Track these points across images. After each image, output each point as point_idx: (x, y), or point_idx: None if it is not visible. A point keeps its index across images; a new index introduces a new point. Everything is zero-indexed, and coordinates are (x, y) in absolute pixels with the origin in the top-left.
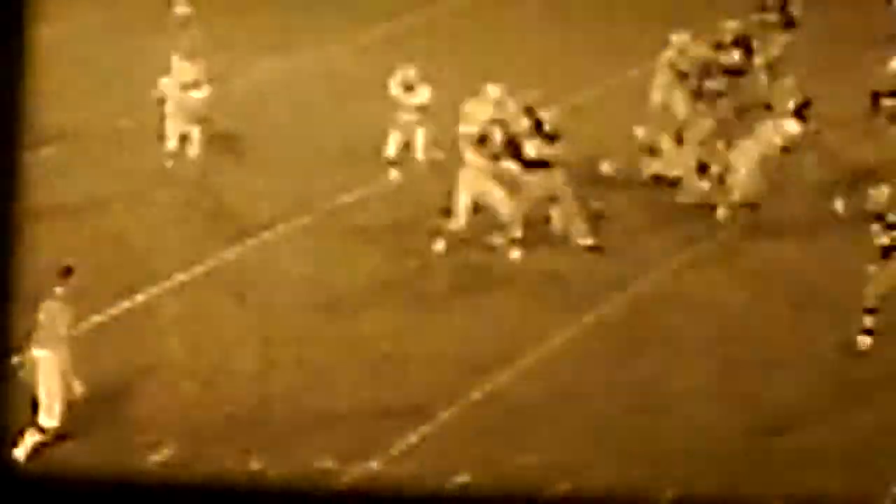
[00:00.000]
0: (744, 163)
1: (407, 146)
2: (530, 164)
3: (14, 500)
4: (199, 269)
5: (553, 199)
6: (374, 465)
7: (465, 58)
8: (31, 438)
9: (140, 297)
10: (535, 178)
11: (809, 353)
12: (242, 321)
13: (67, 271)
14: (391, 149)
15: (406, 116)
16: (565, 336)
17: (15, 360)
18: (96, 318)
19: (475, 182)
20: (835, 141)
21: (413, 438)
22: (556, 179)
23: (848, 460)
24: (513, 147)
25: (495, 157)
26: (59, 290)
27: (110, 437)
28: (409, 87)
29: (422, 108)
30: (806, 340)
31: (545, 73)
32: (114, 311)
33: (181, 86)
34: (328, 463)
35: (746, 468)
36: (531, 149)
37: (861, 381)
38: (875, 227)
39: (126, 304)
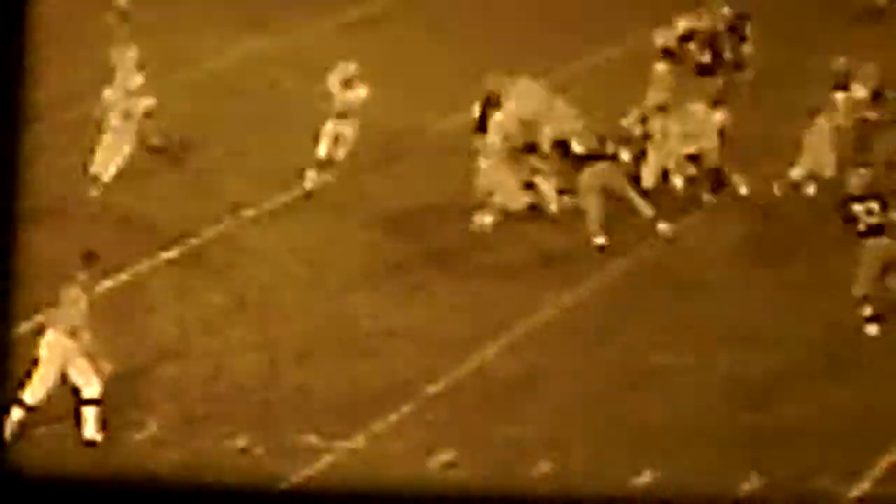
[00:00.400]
0: (816, 141)
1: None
2: (583, 159)
3: None
4: (183, 248)
5: (605, 190)
6: (357, 442)
7: (447, 36)
8: (15, 414)
9: (124, 277)
10: (590, 171)
11: (795, 332)
12: (226, 299)
13: (90, 256)
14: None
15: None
16: (549, 313)
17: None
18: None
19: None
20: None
21: (396, 416)
22: (611, 170)
23: (830, 438)
24: (561, 146)
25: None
26: (81, 275)
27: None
28: (347, 83)
29: (359, 105)
30: (792, 319)
31: (528, 53)
32: (99, 289)
33: (126, 93)
34: (312, 440)
35: (728, 445)
36: (578, 145)
37: (845, 359)
38: (855, 210)
39: (110, 283)
